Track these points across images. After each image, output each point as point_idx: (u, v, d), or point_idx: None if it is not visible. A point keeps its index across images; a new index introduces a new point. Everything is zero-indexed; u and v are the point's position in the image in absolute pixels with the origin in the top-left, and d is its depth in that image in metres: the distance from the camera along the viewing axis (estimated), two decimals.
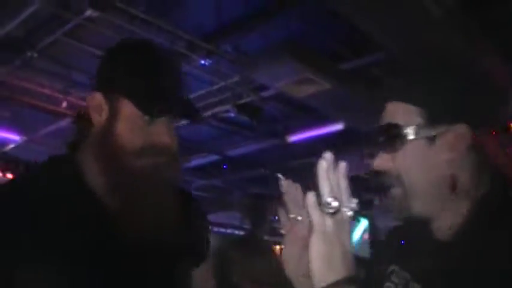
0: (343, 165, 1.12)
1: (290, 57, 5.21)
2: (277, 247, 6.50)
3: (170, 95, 1.45)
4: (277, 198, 1.28)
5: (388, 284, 1.29)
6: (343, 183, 1.10)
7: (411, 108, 1.20)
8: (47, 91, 7.41)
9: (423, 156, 1.19)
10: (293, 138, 8.12)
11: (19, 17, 5.62)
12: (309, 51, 5.58)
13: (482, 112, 1.19)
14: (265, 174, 9.68)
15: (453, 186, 1.17)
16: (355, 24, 4.75)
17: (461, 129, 1.16)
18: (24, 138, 9.12)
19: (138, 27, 5.86)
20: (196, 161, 9.66)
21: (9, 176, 9.08)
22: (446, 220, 1.19)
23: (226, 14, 5.76)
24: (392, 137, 1.22)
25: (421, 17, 4.20)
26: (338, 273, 1.03)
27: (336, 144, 7.98)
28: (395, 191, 1.24)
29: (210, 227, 1.60)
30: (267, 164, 9.27)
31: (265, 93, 6.96)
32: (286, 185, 1.28)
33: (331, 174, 1.09)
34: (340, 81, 5.63)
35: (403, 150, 1.21)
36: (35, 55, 6.43)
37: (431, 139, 1.18)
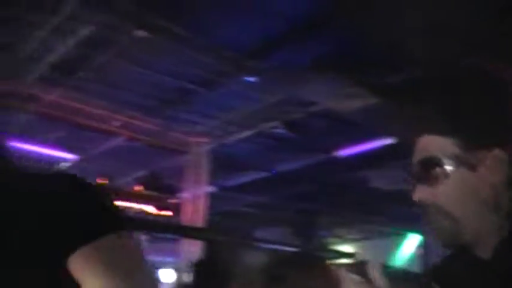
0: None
1: (336, 72, 5.24)
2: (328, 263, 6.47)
3: None
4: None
5: None
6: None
7: (446, 139, 1.20)
8: (99, 111, 7.61)
9: (466, 186, 1.19)
10: (340, 153, 8.12)
11: (71, 40, 5.83)
12: (355, 66, 5.59)
13: None
14: (313, 190, 9.69)
15: (497, 209, 1.17)
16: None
17: (500, 151, 1.16)
18: (78, 157, 9.36)
19: (184, 47, 6.01)
20: (244, 178, 9.74)
21: None
22: (491, 241, 1.19)
23: (270, 31, 5.81)
24: (431, 170, 1.21)
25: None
26: None
27: (384, 158, 7.94)
28: (441, 223, 1.22)
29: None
30: (315, 180, 9.28)
31: (312, 109, 6.98)
32: None
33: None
34: (387, 95, 5.62)
35: (445, 183, 1.20)
36: (87, 76, 6.65)
37: (472, 167, 1.18)
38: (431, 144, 1.22)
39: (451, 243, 1.23)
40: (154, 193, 8.90)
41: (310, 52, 5.90)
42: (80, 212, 1.25)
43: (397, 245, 12.67)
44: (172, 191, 9.08)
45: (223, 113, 7.65)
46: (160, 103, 7.47)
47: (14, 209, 1.24)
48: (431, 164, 1.21)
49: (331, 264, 4.56)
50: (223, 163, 8.71)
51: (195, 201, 8.67)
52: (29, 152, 9.07)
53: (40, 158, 9.23)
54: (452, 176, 1.19)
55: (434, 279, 1.29)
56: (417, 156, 1.24)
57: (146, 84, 7.00)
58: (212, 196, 8.99)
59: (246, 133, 7.81)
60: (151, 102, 7.50)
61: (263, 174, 9.53)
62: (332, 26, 5.47)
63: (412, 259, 12.40)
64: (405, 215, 10.59)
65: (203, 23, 5.77)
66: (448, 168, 1.19)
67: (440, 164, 1.19)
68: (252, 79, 6.52)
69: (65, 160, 9.62)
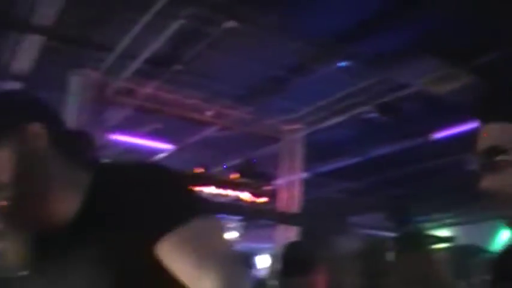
0: None
1: (430, 53, 5.13)
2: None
3: None
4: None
5: None
6: None
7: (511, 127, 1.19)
8: (193, 102, 7.79)
9: None
10: (436, 136, 7.93)
11: (163, 35, 5.98)
12: (449, 46, 5.45)
13: None
14: (407, 174, 9.52)
15: None
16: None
17: None
18: (174, 147, 9.62)
19: (274, 35, 6.05)
20: (337, 164, 9.70)
21: None
22: None
23: (360, 15, 5.75)
24: (497, 158, 1.19)
25: None
26: None
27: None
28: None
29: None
30: (410, 164, 9.12)
31: (405, 92, 6.86)
32: None
33: None
34: (483, 75, 5.46)
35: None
36: (181, 68, 6.81)
37: None
38: (497, 131, 1.21)
39: None
40: (250, 180, 9.01)
41: (403, 34, 5.80)
42: (165, 201, 1.31)
43: (495, 230, 12.28)
44: (267, 178, 9.17)
45: (316, 99, 7.64)
46: (252, 91, 7.55)
47: (109, 199, 1.34)
48: (497, 152, 1.19)
49: (430, 249, 4.48)
50: (316, 149, 8.70)
51: (289, 187, 8.73)
52: (129, 145, 9.42)
53: (139, 149, 9.57)
54: None
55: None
56: (482, 144, 1.22)
57: (238, 73, 7.10)
58: (306, 182, 9.01)
59: (339, 118, 7.76)
60: (243, 91, 7.60)
61: (356, 160, 9.46)
62: (425, 7, 5.35)
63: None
64: None
65: (293, 9, 5.78)
66: None
67: (507, 152, 1.17)
68: (344, 64, 6.47)
69: (162, 151, 9.92)
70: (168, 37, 6.03)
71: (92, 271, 1.31)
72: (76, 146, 1.44)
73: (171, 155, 9.88)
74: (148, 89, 7.41)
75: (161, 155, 10.05)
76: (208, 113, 8.01)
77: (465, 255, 8.68)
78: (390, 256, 4.71)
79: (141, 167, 1.46)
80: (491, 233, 12.23)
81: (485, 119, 1.24)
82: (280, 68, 6.91)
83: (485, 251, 10.85)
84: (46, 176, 1.36)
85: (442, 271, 4.74)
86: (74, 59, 6.95)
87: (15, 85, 7.35)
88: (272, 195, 8.91)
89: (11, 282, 1.43)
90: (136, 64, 6.70)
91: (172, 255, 1.27)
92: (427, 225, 12.42)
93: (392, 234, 10.51)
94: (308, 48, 6.36)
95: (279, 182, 8.86)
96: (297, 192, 8.71)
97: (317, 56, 6.47)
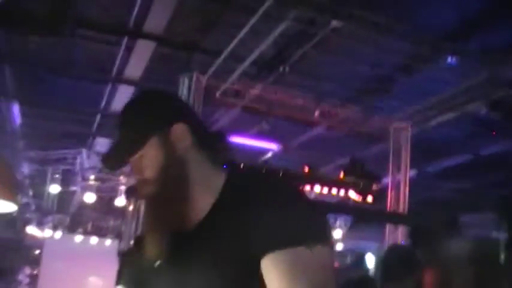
0: None
1: None
2: None
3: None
4: None
5: None
6: None
7: None
8: (300, 102, 7.87)
9: None
10: None
11: (270, 37, 6.10)
12: None
13: None
14: None
15: None
16: None
17: None
18: (281, 147, 9.75)
19: (379, 35, 6.02)
20: (446, 163, 9.51)
21: None
22: None
23: (468, 12, 5.66)
24: None
25: None
26: None
27: None
28: None
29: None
30: None
31: None
32: None
33: None
34: None
35: None
36: (287, 70, 6.91)
37: None
38: None
39: None
40: (357, 180, 8.97)
41: (509, 32, 5.65)
42: (287, 220, 1.35)
43: None
44: (374, 177, 9.09)
45: (423, 98, 7.54)
46: (359, 91, 7.57)
47: (238, 204, 1.43)
48: None
49: None
50: (424, 148, 8.58)
51: (396, 187, 8.64)
52: (236, 145, 9.65)
53: (246, 149, 9.79)
54: None
55: None
56: None
57: (344, 73, 7.13)
58: (414, 182, 8.88)
59: (447, 117, 7.62)
60: (350, 90, 7.63)
61: (465, 159, 9.23)
62: None
63: None
64: None
65: (398, 8, 5.75)
66: None
67: None
68: (451, 61, 6.34)
69: (269, 150, 10.08)
70: (274, 39, 6.13)
71: (208, 270, 1.42)
72: (214, 146, 1.53)
73: (277, 155, 10.03)
74: (255, 90, 7.56)
75: (268, 155, 10.23)
76: (315, 113, 8.06)
77: None
78: (504, 259, 4.57)
79: (274, 180, 1.52)
80: None
81: None
82: (386, 67, 6.89)
83: None
84: (187, 174, 1.47)
85: None
86: (183, 64, 7.23)
87: (128, 89, 7.75)
88: (379, 195, 8.83)
89: (148, 271, 1.57)
90: (243, 66, 6.86)
91: (272, 273, 1.32)
92: None
93: (503, 235, 10.18)
94: (415, 46, 6.30)
95: (386, 181, 8.78)
96: (405, 192, 8.60)
97: (424, 55, 6.39)
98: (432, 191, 10.82)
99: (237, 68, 6.94)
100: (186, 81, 7.34)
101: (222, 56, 6.69)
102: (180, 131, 1.47)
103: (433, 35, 6.10)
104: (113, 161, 1.55)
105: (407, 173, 8.62)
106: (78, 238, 15.36)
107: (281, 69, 6.94)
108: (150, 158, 1.46)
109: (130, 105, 1.56)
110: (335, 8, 5.70)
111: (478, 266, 4.37)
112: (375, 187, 8.94)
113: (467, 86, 6.88)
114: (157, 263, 1.54)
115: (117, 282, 1.71)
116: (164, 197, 1.47)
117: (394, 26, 5.88)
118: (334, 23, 5.82)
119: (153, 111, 1.51)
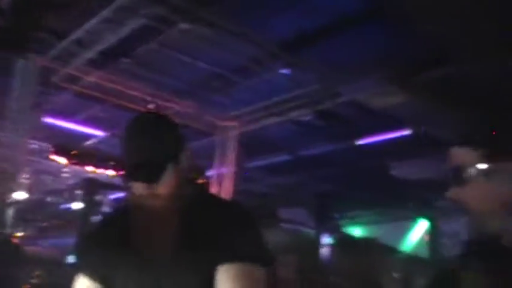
0: None
1: (375, 71, 5.56)
2: None
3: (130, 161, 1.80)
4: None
5: (464, 273, 1.58)
6: None
7: (473, 152, 1.53)
8: (135, 93, 7.97)
9: (488, 191, 1.51)
10: (363, 141, 8.49)
11: (122, 30, 6.17)
12: (391, 65, 5.91)
13: None
14: (334, 174, 10.07)
15: (509, 211, 1.49)
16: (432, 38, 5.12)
17: None
18: (107, 133, 9.76)
19: (225, 38, 6.35)
20: (270, 160, 10.12)
21: (89, 168, 9.72)
22: (510, 235, 1.49)
23: (307, 26, 6.08)
24: (461, 176, 1.54)
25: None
26: None
27: (403, 148, 8.32)
28: (470, 218, 1.56)
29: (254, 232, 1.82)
30: (337, 165, 9.66)
31: (340, 100, 7.30)
32: None
33: None
34: (417, 92, 5.96)
35: (471, 187, 1.53)
36: (129, 61, 7.02)
37: (493, 175, 1.50)
38: (463, 155, 1.56)
39: (481, 233, 1.56)
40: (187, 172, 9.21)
41: (345, 48, 6.22)
42: (242, 237, 1.75)
43: (407, 230, 13.00)
44: (200, 170, 9.43)
45: (256, 100, 8.01)
46: (197, 88, 7.83)
47: (202, 224, 1.75)
48: (460, 172, 1.55)
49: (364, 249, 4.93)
50: (251, 146, 9.07)
51: (221, 180, 9.07)
52: (63, 129, 9.51)
53: (72, 133, 9.68)
54: (477, 182, 1.53)
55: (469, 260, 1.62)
56: (451, 163, 1.59)
57: (184, 69, 7.33)
58: (239, 176, 9.36)
59: (276, 119, 8.16)
60: (188, 87, 7.87)
61: (289, 157, 9.90)
62: (368, 24, 5.78)
63: (420, 244, 12.76)
64: (419, 201, 11.02)
65: (244, 15, 6.06)
66: (474, 175, 1.53)
67: (468, 172, 1.54)
68: (285, 70, 6.86)
69: (94, 136, 10.05)
70: (125, 32, 6.21)
71: (179, 272, 1.72)
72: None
73: (103, 141, 10.02)
74: (92, 77, 7.54)
75: (93, 141, 10.20)
76: (149, 105, 8.21)
77: (383, 253, 9.29)
78: (324, 253, 5.16)
79: (236, 203, 2.03)
80: (403, 233, 12.99)
81: (454, 144, 1.60)
82: (225, 68, 7.21)
83: (397, 251, 11.58)
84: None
85: (371, 268, 5.24)
86: (23, 42, 6.99)
87: None
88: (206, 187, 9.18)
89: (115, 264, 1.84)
90: (88, 53, 6.83)
91: (222, 278, 1.69)
92: (345, 222, 13.00)
93: (314, 230, 11.08)
94: (254, 52, 6.69)
95: (213, 175, 9.18)
96: (228, 185, 9.06)
97: (261, 61, 6.81)
98: (256, 185, 11.44)
99: (81, 53, 6.88)
100: (23, 61, 7.13)
101: (68, 40, 6.61)
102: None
103: (273, 44, 6.52)
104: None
105: (231, 168, 9.08)
106: None
107: (123, 60, 7.04)
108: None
109: (153, 128, 1.81)
110: (188, 10, 5.91)
111: (300, 258, 4.89)
112: (200, 180, 9.29)
113: (298, 93, 7.43)
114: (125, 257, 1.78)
115: (80, 271, 1.87)
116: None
117: (238, 30, 6.22)
118: (183, 26, 6.07)
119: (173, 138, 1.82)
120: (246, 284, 1.70)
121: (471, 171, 1.52)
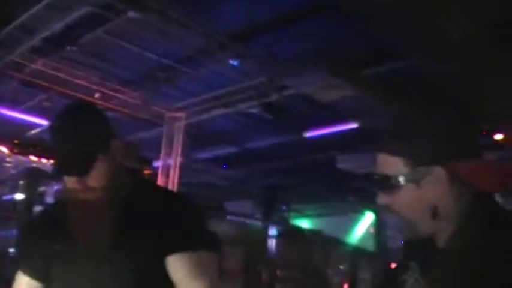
0: None
1: (321, 65, 5.62)
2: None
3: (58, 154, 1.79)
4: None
5: (404, 276, 1.62)
6: None
7: (398, 160, 1.53)
8: (81, 82, 7.86)
9: (414, 197, 1.52)
10: (310, 134, 8.57)
11: (68, 16, 6.06)
12: (338, 59, 5.99)
13: (458, 149, 1.51)
14: (281, 167, 10.15)
15: (434, 215, 1.50)
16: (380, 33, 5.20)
17: (439, 170, 1.49)
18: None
19: (174, 28, 6.30)
20: (217, 152, 10.13)
21: (32, 157, 9.55)
22: (441, 236, 1.53)
23: (256, 17, 6.09)
24: (388, 183, 1.54)
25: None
26: None
27: (350, 141, 8.44)
28: (401, 223, 1.58)
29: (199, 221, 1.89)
30: (284, 158, 9.73)
31: (287, 92, 7.36)
32: None
33: None
34: (363, 87, 6.07)
35: (398, 194, 1.54)
36: (74, 49, 6.89)
37: (418, 182, 1.51)
38: (387, 162, 1.56)
39: (413, 236, 1.59)
40: (130, 163, 9.16)
41: (293, 40, 6.27)
42: (189, 227, 1.83)
43: (353, 222, 13.22)
44: (146, 162, 9.39)
45: (203, 91, 8.00)
46: (143, 78, 7.77)
47: (143, 216, 1.77)
48: (386, 179, 1.56)
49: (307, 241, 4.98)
50: (198, 137, 9.06)
51: (167, 172, 9.03)
52: (6, 117, 9.27)
53: (15, 122, 9.45)
54: (403, 189, 1.54)
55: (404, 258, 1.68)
56: (378, 170, 1.59)
57: (131, 59, 7.27)
58: (186, 168, 9.35)
59: (223, 110, 8.16)
60: (135, 76, 7.79)
61: (236, 149, 9.93)
62: (316, 17, 5.83)
63: (366, 237, 12.99)
64: (365, 194, 11.19)
65: (192, 3, 6.04)
66: (400, 183, 1.54)
67: (393, 180, 1.54)
68: (233, 61, 6.85)
69: (39, 126, 9.84)
70: (71, 19, 6.10)
71: (123, 264, 1.73)
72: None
73: (45, 131, 9.83)
74: (37, 65, 7.40)
75: (37, 130, 9.99)
76: (95, 94, 8.11)
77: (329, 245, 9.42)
78: (271, 245, 5.21)
79: (178, 194, 2.03)
80: (348, 226, 13.20)
81: (378, 150, 1.59)
82: (173, 59, 7.16)
83: (343, 243, 11.77)
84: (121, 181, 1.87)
85: (317, 260, 5.29)
86: None
87: None
88: (152, 179, 9.13)
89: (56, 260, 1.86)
90: (32, 40, 6.68)
91: (177, 267, 1.76)
92: (292, 215, 13.13)
93: (261, 222, 11.15)
94: (202, 42, 6.66)
95: (159, 166, 9.13)
96: (174, 177, 9.03)
97: (209, 51, 6.80)
98: (203, 176, 11.41)
99: (25, 40, 6.73)
100: None
101: (11, 26, 6.45)
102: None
103: (222, 34, 6.51)
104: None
105: (177, 159, 9.05)
106: None
107: (68, 48, 6.91)
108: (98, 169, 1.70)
109: (77, 120, 1.78)
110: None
111: (243, 247, 4.92)
112: (147, 171, 9.25)
113: (246, 85, 7.45)
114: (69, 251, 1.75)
115: (19, 267, 1.83)
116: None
117: (186, 20, 6.18)
118: (131, 14, 5.99)
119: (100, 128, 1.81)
120: (201, 269, 1.76)
121: (398, 180, 1.53)
